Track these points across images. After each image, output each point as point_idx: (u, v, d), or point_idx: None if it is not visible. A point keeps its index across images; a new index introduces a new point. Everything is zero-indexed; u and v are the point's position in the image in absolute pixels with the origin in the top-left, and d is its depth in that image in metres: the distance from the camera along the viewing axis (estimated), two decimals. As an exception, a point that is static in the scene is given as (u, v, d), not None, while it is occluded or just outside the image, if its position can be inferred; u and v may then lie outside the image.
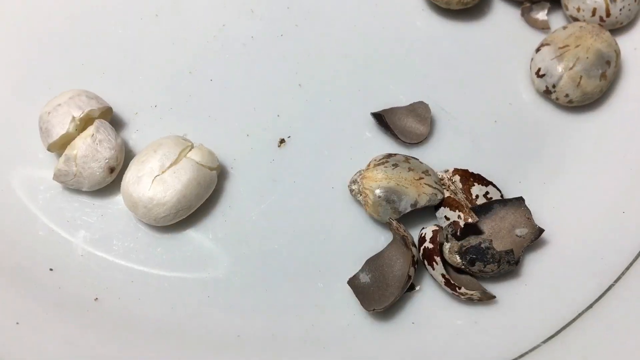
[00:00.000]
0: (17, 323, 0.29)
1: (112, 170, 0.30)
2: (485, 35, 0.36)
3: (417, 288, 0.30)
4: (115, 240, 0.31)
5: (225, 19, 0.36)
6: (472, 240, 0.30)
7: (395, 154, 0.32)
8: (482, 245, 0.29)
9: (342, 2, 0.36)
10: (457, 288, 0.29)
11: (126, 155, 0.32)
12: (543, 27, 0.36)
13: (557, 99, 0.34)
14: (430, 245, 0.29)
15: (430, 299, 0.30)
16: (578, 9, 0.35)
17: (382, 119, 0.33)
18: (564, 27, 0.34)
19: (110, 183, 0.31)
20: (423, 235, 0.30)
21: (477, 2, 0.36)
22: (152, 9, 0.36)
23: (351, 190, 0.31)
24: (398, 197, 0.30)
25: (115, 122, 0.33)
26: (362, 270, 0.30)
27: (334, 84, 0.34)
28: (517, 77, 0.35)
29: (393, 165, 0.31)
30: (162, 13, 0.36)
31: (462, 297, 0.29)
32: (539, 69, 0.34)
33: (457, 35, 0.36)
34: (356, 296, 0.29)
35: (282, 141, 0.33)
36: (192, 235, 0.31)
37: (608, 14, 0.35)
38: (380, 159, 0.31)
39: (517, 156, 0.33)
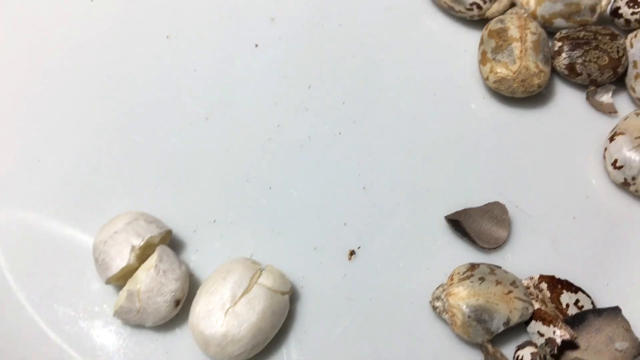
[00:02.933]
0: None
1: (177, 303, 0.28)
2: (551, 121, 0.34)
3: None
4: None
5: (279, 119, 0.34)
6: (570, 356, 0.28)
7: (478, 265, 0.30)
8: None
9: (399, 93, 0.35)
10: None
11: (190, 282, 0.29)
12: (609, 110, 0.35)
13: (636, 191, 0.32)
14: (530, 368, 0.27)
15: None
16: (647, 92, 0.34)
17: (459, 225, 0.31)
18: (637, 114, 0.33)
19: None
20: (520, 357, 0.28)
21: (542, 89, 0.34)
22: (202, 113, 0.33)
23: (434, 307, 0.29)
24: (489, 315, 0.28)
25: (173, 243, 0.31)
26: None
27: (399, 185, 0.32)
28: (589, 166, 0.33)
29: (480, 279, 0.29)
30: (212, 117, 0.33)
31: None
32: (616, 160, 0.32)
33: (522, 124, 0.34)
34: None
35: (352, 253, 0.31)
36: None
37: (680, 95, 0.34)
38: (464, 273, 0.29)
39: (602, 255, 0.31)
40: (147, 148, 0.32)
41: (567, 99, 0.35)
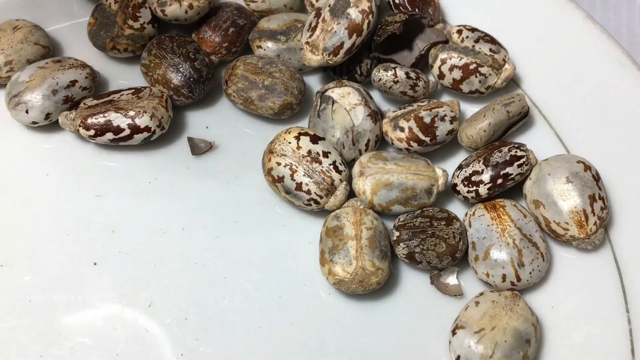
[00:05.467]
0: None
1: None
2: (399, 311, 0.34)
3: None
4: None
5: (120, 346, 0.33)
6: None
7: None
8: None
9: (245, 301, 0.34)
10: None
11: None
12: (455, 293, 0.35)
13: (483, 385, 0.32)
14: None
15: None
16: (487, 274, 0.34)
17: None
18: (477, 303, 0.33)
19: None
20: None
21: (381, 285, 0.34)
22: (38, 349, 0.32)
23: None
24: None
25: None
26: None
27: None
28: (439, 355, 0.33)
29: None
30: (47, 353, 0.32)
31: None
32: (459, 357, 0.32)
33: (368, 318, 0.34)
34: None
35: None
36: None
37: (518, 279, 0.34)
38: None
39: None
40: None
41: (414, 283, 0.35)
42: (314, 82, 0.40)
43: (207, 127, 0.39)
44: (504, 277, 0.34)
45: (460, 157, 0.38)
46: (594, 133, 0.38)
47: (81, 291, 0.34)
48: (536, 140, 0.38)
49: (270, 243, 0.36)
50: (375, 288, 0.33)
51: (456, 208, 0.37)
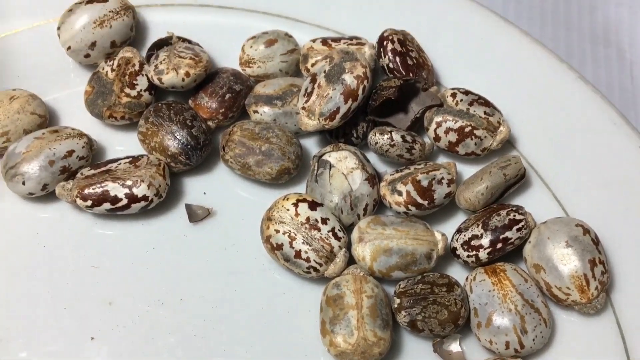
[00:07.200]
0: None
1: None
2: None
3: None
4: None
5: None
6: None
7: None
8: None
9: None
10: None
11: None
12: (459, 360, 0.35)
13: None
14: None
15: None
16: (490, 342, 0.34)
17: None
18: (481, 372, 0.33)
19: None
20: None
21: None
22: None
23: None
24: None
25: None
26: None
27: None
28: None
29: None
30: None
31: None
32: None
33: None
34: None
35: None
36: None
37: (522, 346, 0.33)
38: None
39: None
40: None
41: (417, 351, 0.34)
42: (310, 145, 0.41)
43: (204, 193, 0.39)
44: (507, 344, 0.33)
45: (458, 218, 0.38)
46: (590, 194, 0.38)
47: (79, 367, 0.34)
48: (534, 202, 0.38)
49: (270, 312, 0.35)
50: (378, 359, 0.33)
51: (456, 271, 0.37)
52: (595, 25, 0.51)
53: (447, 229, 0.38)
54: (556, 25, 0.51)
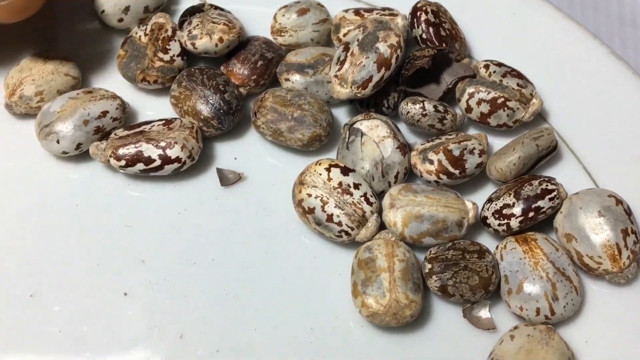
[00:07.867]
0: None
1: None
2: (431, 344, 0.34)
3: None
4: None
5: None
6: None
7: None
8: None
9: (275, 335, 0.33)
10: None
11: None
12: (488, 327, 0.34)
13: (519, 420, 0.32)
14: None
15: None
16: (521, 308, 0.34)
17: None
18: (512, 337, 0.33)
19: None
20: None
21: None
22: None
23: None
24: None
25: None
26: None
27: None
28: (472, 392, 0.33)
29: None
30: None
31: None
32: (495, 391, 0.32)
33: (401, 350, 0.34)
34: None
35: None
36: None
37: (553, 313, 0.33)
38: None
39: None
40: None
41: (446, 315, 0.35)
42: (341, 115, 0.41)
43: (235, 159, 0.39)
44: (537, 310, 0.33)
45: (487, 190, 0.38)
46: (622, 167, 0.38)
47: (111, 322, 0.34)
48: (564, 174, 0.38)
49: (301, 274, 0.36)
50: (409, 321, 0.33)
51: (484, 241, 0.37)
52: (623, 7, 0.51)
53: (476, 200, 0.37)
54: (584, 6, 0.51)
